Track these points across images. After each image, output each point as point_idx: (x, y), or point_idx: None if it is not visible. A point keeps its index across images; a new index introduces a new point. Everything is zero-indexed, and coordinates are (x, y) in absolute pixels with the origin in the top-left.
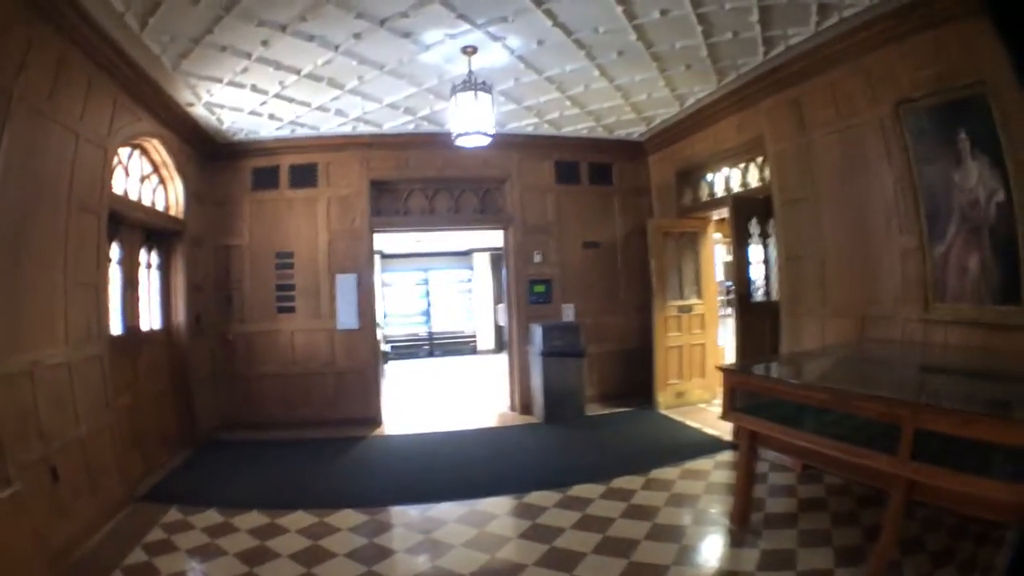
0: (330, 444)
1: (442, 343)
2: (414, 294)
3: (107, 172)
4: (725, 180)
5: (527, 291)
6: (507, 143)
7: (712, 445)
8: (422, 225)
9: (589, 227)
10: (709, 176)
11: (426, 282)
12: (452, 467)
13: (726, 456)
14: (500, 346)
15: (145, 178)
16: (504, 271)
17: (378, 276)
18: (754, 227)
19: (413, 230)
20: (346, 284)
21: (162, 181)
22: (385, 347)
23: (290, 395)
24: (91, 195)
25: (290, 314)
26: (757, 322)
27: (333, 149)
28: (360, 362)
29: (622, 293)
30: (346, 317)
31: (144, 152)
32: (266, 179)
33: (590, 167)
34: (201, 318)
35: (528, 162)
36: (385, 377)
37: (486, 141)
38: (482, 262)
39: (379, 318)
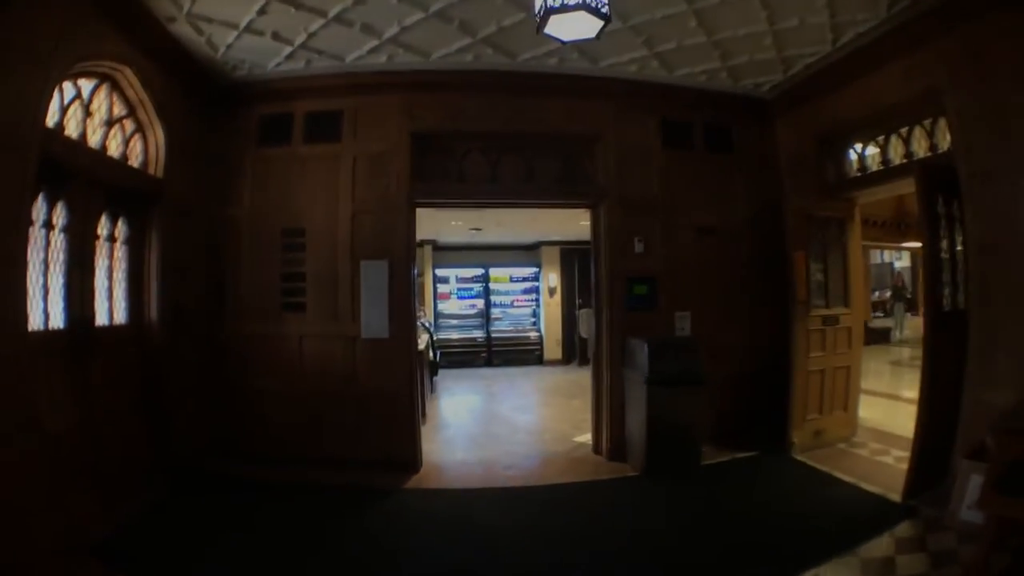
0: (347, 500)
1: (502, 351)
2: (471, 293)
3: (44, 100)
4: (879, 150)
5: (624, 292)
6: (600, 90)
7: (880, 511)
8: (481, 197)
9: (704, 207)
10: (858, 145)
11: (485, 280)
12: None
13: (905, 529)
14: (569, 357)
15: (116, 122)
16: (592, 265)
17: (428, 271)
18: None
19: (469, 203)
20: (375, 275)
21: (140, 128)
22: (432, 355)
23: (297, 422)
24: (12, 128)
25: (298, 313)
26: (947, 342)
27: (363, 91)
28: (392, 384)
29: (745, 297)
30: (373, 321)
31: (116, 87)
32: (275, 131)
33: (706, 129)
34: (183, 310)
35: (627, 117)
36: (433, 392)
37: (593, 31)
38: (551, 258)
39: (426, 321)
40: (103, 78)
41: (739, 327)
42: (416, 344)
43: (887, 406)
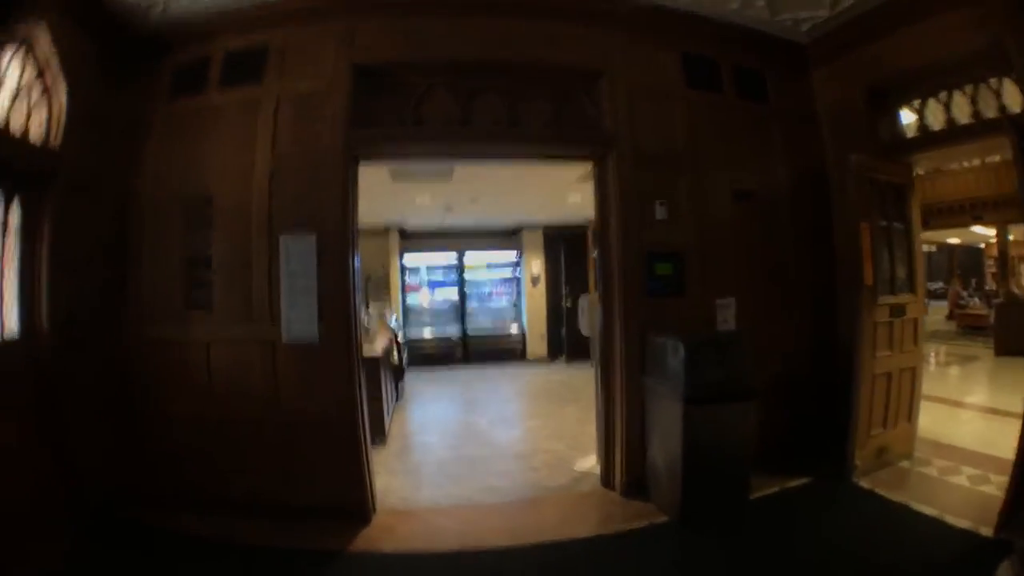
0: (285, 570)
1: (480, 348)
2: (444, 283)
3: None
4: (943, 107)
5: (643, 273)
6: (606, 14)
7: (977, 552)
8: (449, 143)
9: (739, 166)
10: (916, 101)
11: (459, 269)
12: None
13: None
14: (555, 353)
15: (21, 91)
16: (598, 239)
17: (395, 260)
18: None
19: (431, 154)
20: (298, 255)
21: (46, 92)
22: (398, 358)
23: (213, 457)
24: None
25: (205, 312)
26: None
27: (295, 19)
28: (324, 405)
29: (793, 280)
30: (296, 320)
31: (31, 51)
32: (189, 80)
33: (735, 72)
34: (78, 316)
35: (640, 50)
36: (398, 399)
37: None
38: (534, 243)
39: (392, 318)
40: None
41: (785, 318)
42: (358, 349)
43: (941, 412)
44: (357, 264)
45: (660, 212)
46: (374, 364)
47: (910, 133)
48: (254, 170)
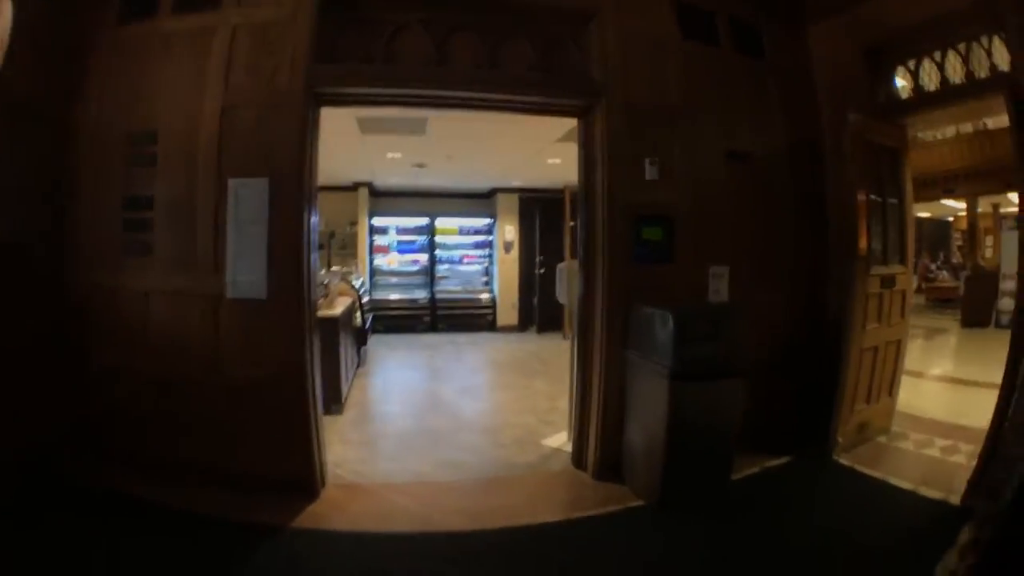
0: (218, 543)
1: (449, 314)
2: (413, 247)
3: None
4: (937, 67)
5: (630, 238)
6: None
7: (946, 520)
8: (422, 86)
9: (735, 125)
10: (911, 61)
11: (430, 231)
12: None
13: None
14: (526, 323)
15: None
16: (581, 199)
17: (363, 219)
18: None
19: (403, 97)
20: (248, 201)
21: None
22: (361, 321)
23: (153, 415)
24: None
25: (143, 258)
26: None
27: None
28: (272, 368)
29: (786, 248)
30: (243, 272)
31: None
32: (141, 2)
33: (731, 24)
34: (12, 257)
35: None
36: (360, 365)
37: None
38: (509, 207)
39: (356, 277)
40: None
41: (776, 289)
42: (311, 308)
43: (912, 385)
44: (315, 217)
45: (651, 172)
46: (332, 326)
47: (904, 95)
48: (203, 106)
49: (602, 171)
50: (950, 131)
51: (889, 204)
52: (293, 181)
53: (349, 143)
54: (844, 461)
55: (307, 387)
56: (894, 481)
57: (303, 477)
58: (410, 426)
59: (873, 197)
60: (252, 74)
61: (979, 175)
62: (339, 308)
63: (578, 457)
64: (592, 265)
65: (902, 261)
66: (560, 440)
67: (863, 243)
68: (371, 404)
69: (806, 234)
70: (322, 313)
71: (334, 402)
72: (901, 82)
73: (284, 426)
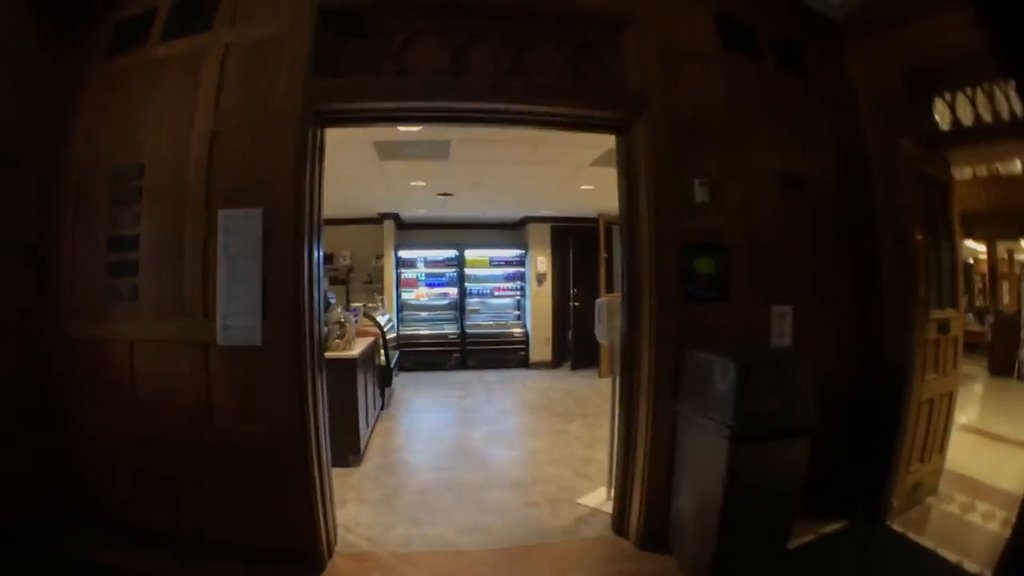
0: None
1: (479, 350)
2: (441, 280)
3: None
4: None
5: (680, 270)
6: None
7: None
8: (436, 95)
9: (783, 146)
10: (947, 94)
11: (459, 263)
12: None
13: None
14: (560, 358)
15: None
16: (622, 226)
17: (390, 253)
18: None
19: (417, 112)
20: (239, 235)
21: None
22: (385, 360)
23: (141, 479)
24: None
25: (128, 304)
26: None
27: None
28: (271, 423)
29: (843, 286)
30: (235, 315)
31: None
32: (132, 33)
33: (772, 38)
34: None
35: (669, 2)
36: (384, 408)
37: None
38: (540, 237)
39: (381, 314)
40: None
41: (830, 333)
42: (316, 354)
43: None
44: (320, 251)
45: (700, 194)
46: (348, 369)
47: (943, 126)
48: (192, 132)
49: (646, 193)
50: (967, 172)
51: (941, 242)
52: (290, 210)
53: (368, 171)
54: (897, 527)
55: (309, 445)
56: (941, 552)
57: (306, 547)
58: (433, 480)
59: (931, 227)
60: (245, 94)
61: (995, 219)
62: (358, 349)
63: (619, 521)
64: (637, 302)
65: (954, 304)
66: (598, 498)
67: (921, 287)
68: (393, 452)
69: (857, 272)
70: (337, 355)
71: (351, 452)
72: (941, 112)
73: (283, 490)
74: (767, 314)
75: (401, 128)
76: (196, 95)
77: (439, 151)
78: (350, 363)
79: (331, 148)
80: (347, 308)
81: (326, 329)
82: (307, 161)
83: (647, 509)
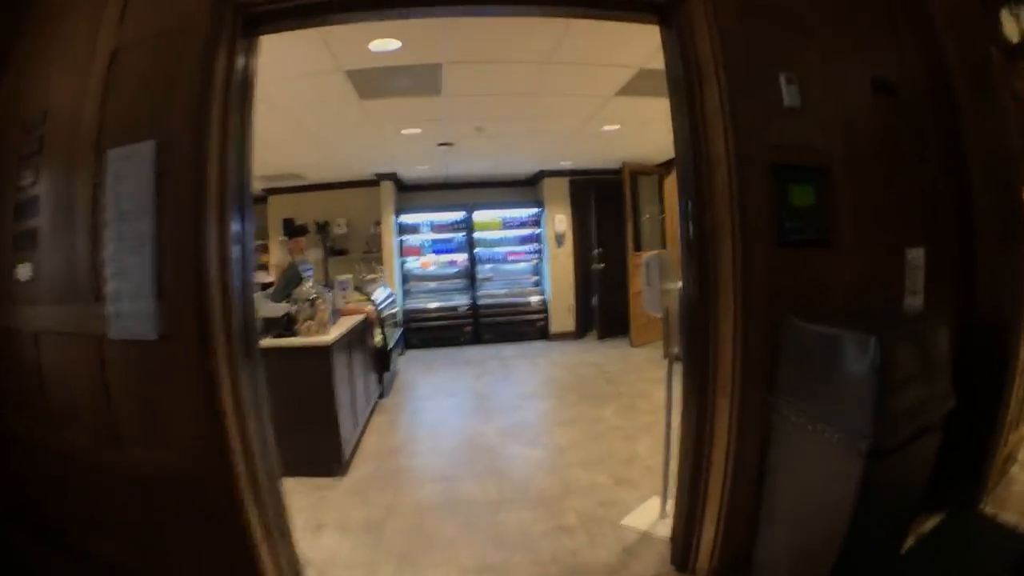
0: None
1: (493, 323)
2: (449, 246)
3: None
4: None
5: (771, 202)
6: None
7: None
8: None
9: (873, 45)
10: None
11: (468, 226)
12: None
13: None
14: (584, 328)
15: None
16: (683, 150)
17: (389, 218)
18: None
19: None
20: (127, 179)
21: None
22: (383, 341)
23: (64, 497)
24: None
25: (28, 284)
26: None
27: None
28: (181, 451)
29: (937, 223)
30: (127, 296)
31: None
32: None
33: None
34: None
35: None
36: (385, 396)
37: None
38: (558, 193)
39: (377, 288)
40: None
41: (947, 282)
42: (246, 351)
43: None
44: (249, 201)
45: (789, 94)
46: (322, 358)
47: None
48: (93, 62)
49: (717, 94)
50: None
51: None
52: (192, 141)
53: (350, 116)
54: (988, 510)
55: (235, 475)
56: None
57: None
58: (436, 496)
59: None
60: (154, 7)
61: None
62: (338, 331)
63: (682, 552)
64: (709, 252)
65: None
66: (649, 516)
67: None
68: (388, 456)
69: (953, 202)
70: (306, 341)
71: (334, 461)
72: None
73: (211, 536)
74: (888, 262)
75: (375, 45)
76: (103, 11)
77: (428, 80)
78: (323, 351)
79: (299, 86)
80: (320, 284)
81: (294, 308)
82: (217, 76)
83: (724, 540)
